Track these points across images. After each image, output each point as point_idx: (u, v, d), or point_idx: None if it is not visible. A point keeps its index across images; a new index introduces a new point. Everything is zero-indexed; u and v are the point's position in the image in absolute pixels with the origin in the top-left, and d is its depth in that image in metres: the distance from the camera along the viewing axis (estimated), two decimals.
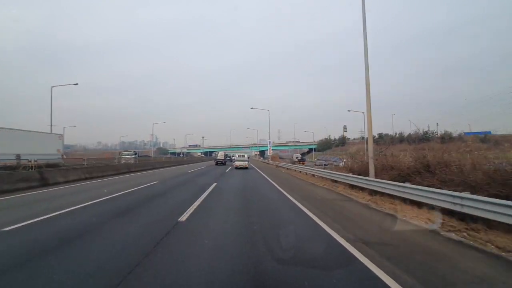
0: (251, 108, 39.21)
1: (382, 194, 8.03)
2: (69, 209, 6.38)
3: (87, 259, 3.35)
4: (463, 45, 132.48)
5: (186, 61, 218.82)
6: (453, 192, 5.33)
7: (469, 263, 3.42)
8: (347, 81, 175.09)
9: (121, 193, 9.20)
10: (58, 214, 5.92)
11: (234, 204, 7.44)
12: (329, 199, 8.56)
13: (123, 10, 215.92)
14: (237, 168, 26.17)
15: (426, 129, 72.87)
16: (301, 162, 48.86)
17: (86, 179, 14.07)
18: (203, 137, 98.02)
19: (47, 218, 5.53)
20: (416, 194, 6.29)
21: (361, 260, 3.33)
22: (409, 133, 76.54)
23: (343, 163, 44.16)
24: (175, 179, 14.80)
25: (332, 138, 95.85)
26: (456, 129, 68.85)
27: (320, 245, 4.01)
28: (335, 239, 4.23)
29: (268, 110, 38.43)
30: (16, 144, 16.09)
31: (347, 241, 4.09)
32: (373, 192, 8.61)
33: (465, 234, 4.68)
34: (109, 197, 8.40)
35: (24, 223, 5.03)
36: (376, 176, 9.10)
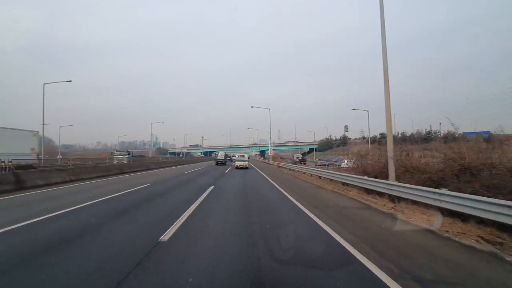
0: (252, 107, 37.94)
1: (406, 200, 6.79)
2: (25, 222, 5.13)
3: None
4: (463, 45, 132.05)
5: (186, 61, 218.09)
6: None
7: None
8: (347, 81, 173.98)
9: (103, 198, 7.96)
10: (9, 229, 4.68)
11: (232, 217, 6.20)
12: (345, 206, 7.30)
13: (123, 10, 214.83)
14: (237, 168, 26.14)
15: (428, 129, 71.68)
16: (302, 162, 47.78)
17: (71, 181, 12.83)
18: (202, 137, 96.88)
19: None
20: (459, 204, 5.03)
21: None
22: (412, 133, 75.38)
23: (345, 163, 43.32)
24: (169, 182, 13.55)
25: (333, 138, 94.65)
26: (456, 129, 67.51)
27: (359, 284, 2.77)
28: (375, 275, 2.97)
29: (269, 109, 37.26)
30: None
31: (394, 280, 2.84)
32: (395, 199, 7.36)
33: None
34: (87, 204, 7.18)
35: None
36: (397, 179, 7.85)
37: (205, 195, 8.61)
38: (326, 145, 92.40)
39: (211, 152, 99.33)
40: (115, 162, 21.40)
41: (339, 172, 12.76)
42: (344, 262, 3.34)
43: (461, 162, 6.04)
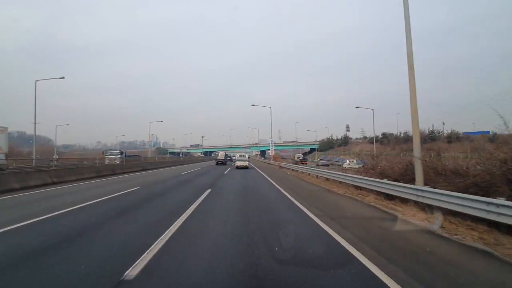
0: (252, 105, 36.64)
1: (441, 210, 5.54)
2: None
3: None
4: (463, 45, 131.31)
5: (186, 61, 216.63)
6: None
7: None
8: (347, 81, 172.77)
9: (76, 207, 6.71)
10: None
11: (227, 227, 4.95)
12: (367, 217, 6.04)
13: (123, 10, 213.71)
14: (237, 168, 26.28)
15: (431, 128, 70.47)
16: (303, 162, 46.75)
17: (53, 184, 11.59)
18: (202, 137, 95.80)
19: None
20: None
21: None
22: None
23: (347, 163, 42.06)
24: (161, 185, 12.30)
25: (335, 138, 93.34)
26: (455, 129, 67.18)
27: None
28: None
29: (270, 107, 36.02)
30: None
31: None
32: (426, 208, 6.11)
33: None
34: (62, 211, 5.97)
35: None
36: (426, 183, 6.60)
37: (200, 202, 7.37)
38: (327, 145, 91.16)
39: (211, 152, 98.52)
40: (106, 163, 20.14)
41: (350, 174, 11.51)
42: None
43: None
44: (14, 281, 2.81)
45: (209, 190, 9.80)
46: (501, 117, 6.43)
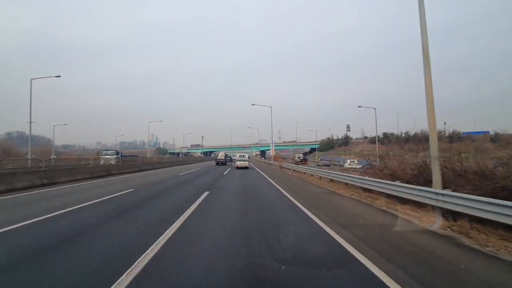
0: (252, 104, 36.02)
1: (465, 217, 4.93)
2: None
3: None
4: (463, 45, 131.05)
5: (186, 61, 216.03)
6: None
7: None
8: (347, 81, 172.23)
9: (66, 210, 6.10)
10: None
11: (225, 241, 4.33)
12: (381, 225, 5.41)
13: (123, 10, 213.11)
14: (238, 168, 26.26)
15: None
16: (303, 162, 46.21)
17: (42, 185, 10.97)
18: (202, 137, 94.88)
19: None
20: None
21: None
22: (415, 133, 73.40)
23: (348, 163, 41.38)
24: (156, 187, 11.67)
25: (335, 138, 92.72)
26: (455, 129, 66.92)
27: None
28: None
29: (271, 107, 35.38)
30: None
31: None
32: (446, 214, 5.49)
33: None
34: (42, 218, 5.37)
35: None
36: (446, 186, 5.97)
37: (194, 208, 6.75)
38: (328, 145, 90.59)
39: (211, 152, 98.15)
40: (101, 163, 19.48)
41: (356, 175, 10.88)
42: None
43: None
44: None
45: (207, 193, 9.20)
46: None
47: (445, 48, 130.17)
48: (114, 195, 8.77)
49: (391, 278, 2.87)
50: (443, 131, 67.74)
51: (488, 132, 56.96)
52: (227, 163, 40.49)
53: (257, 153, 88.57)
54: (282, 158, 61.35)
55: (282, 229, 4.97)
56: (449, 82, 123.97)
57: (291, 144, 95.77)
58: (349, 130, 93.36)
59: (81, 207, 6.71)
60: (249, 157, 41.01)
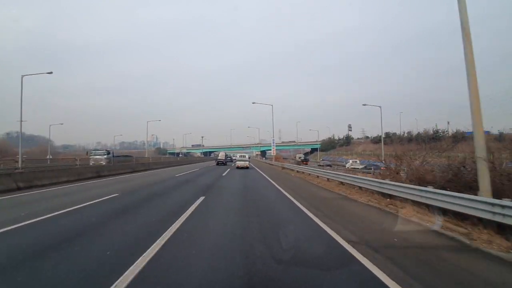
0: (253, 103, 34.93)
1: None
2: None
3: None
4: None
5: (186, 61, 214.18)
6: None
7: None
8: (347, 81, 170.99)
9: (30, 221, 4.87)
10: None
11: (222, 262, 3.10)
12: (426, 247, 4.13)
13: (123, 10, 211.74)
14: (238, 168, 26.28)
15: (434, 128, 68.60)
16: (304, 163, 45.14)
17: (18, 189, 9.74)
18: (202, 137, 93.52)
19: None
20: None
21: None
22: (418, 132, 72.07)
23: (350, 163, 40.10)
24: (144, 191, 10.43)
25: (336, 137, 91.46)
26: (455, 128, 65.96)
27: None
28: None
29: (272, 105, 34.15)
30: None
31: None
32: (501, 228, 4.27)
33: None
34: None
35: None
36: (499, 194, 4.75)
37: (183, 220, 5.51)
38: (329, 145, 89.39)
39: (210, 152, 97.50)
40: (91, 164, 18.23)
41: (371, 177, 9.66)
42: None
43: None
44: None
45: (202, 197, 8.00)
46: None
47: (445, 49, 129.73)
48: (97, 200, 7.58)
49: None
50: (446, 131, 66.86)
51: (487, 132, 56.22)
52: (227, 163, 40.29)
53: (257, 153, 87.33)
54: (283, 158, 60.15)
55: (293, 242, 3.72)
56: (449, 83, 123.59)
57: (292, 144, 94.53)
58: (350, 130, 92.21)
59: (45, 218, 5.48)
60: (249, 157, 41.23)
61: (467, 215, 4.97)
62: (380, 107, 34.37)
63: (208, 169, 24.93)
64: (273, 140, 35.59)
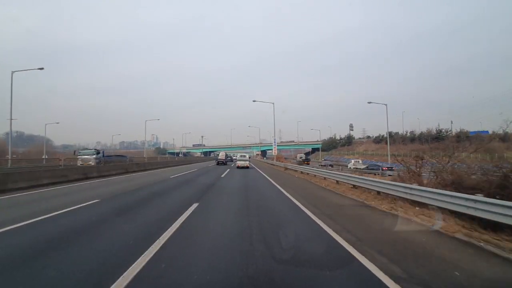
0: (254, 101, 33.71)
1: None
2: None
3: None
4: (463, 46, 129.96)
5: (186, 62, 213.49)
6: None
7: None
8: (347, 81, 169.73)
9: None
10: None
11: None
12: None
13: (124, 10, 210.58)
14: (238, 167, 26.38)
15: (437, 127, 67.40)
16: (306, 163, 44.19)
17: None
18: (202, 137, 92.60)
19: None
20: None
21: None
22: (421, 132, 70.74)
23: (352, 163, 38.90)
24: (130, 196, 9.20)
25: (338, 137, 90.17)
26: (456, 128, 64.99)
27: None
28: None
29: (273, 103, 32.93)
30: None
31: None
32: None
33: None
34: None
35: None
36: None
37: (170, 235, 4.28)
38: (330, 145, 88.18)
39: (210, 152, 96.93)
40: (79, 164, 16.97)
41: (389, 180, 8.42)
42: None
43: None
44: None
45: (196, 204, 6.79)
46: None
47: (445, 49, 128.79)
48: (74, 207, 6.45)
49: None
50: (450, 131, 65.50)
51: (487, 132, 55.03)
52: (228, 162, 40.60)
53: (258, 153, 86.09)
54: (284, 158, 58.99)
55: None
56: (449, 83, 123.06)
57: (293, 144, 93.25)
58: (352, 130, 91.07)
59: (14, 228, 4.28)
60: (249, 157, 41.00)
61: None
62: (386, 104, 33.24)
63: (206, 170, 23.67)
64: (275, 139, 34.38)
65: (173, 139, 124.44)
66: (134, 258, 3.24)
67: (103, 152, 22.02)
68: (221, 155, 39.64)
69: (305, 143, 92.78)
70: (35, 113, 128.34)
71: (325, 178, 13.84)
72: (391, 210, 6.70)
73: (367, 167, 32.65)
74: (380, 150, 69.42)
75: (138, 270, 2.95)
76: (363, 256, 3.49)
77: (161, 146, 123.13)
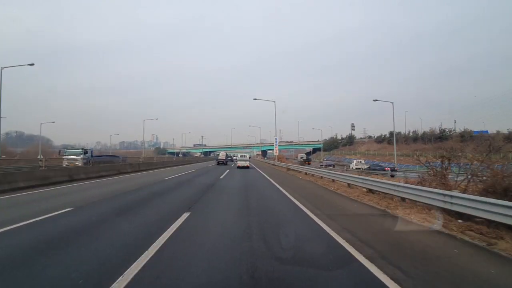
0: (254, 99, 32.45)
1: None
2: None
3: None
4: (463, 46, 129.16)
5: (186, 62, 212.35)
6: None
7: None
8: (347, 81, 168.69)
9: None
10: None
11: None
12: None
13: (124, 10, 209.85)
14: (239, 167, 26.20)
15: (440, 127, 66.22)
16: (307, 163, 43.45)
17: None
18: (202, 136, 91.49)
19: None
20: None
21: None
22: (424, 131, 69.42)
23: (354, 163, 37.74)
24: (112, 203, 7.94)
25: (339, 137, 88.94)
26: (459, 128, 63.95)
27: None
28: None
29: (274, 101, 31.74)
30: None
31: None
32: None
33: None
34: None
35: None
36: None
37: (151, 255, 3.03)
38: (332, 145, 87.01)
39: (210, 152, 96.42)
40: (65, 165, 15.70)
41: (416, 184, 7.15)
42: None
43: None
44: None
45: (187, 214, 5.55)
46: None
47: (444, 49, 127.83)
48: (35, 219, 5.18)
49: None
50: (453, 130, 64.16)
51: (487, 132, 53.97)
52: (228, 162, 40.71)
53: (258, 153, 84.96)
54: (285, 158, 57.86)
55: None
56: (449, 83, 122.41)
57: (294, 143, 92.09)
58: (353, 129, 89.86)
59: None
60: (250, 157, 40.76)
61: None
62: (392, 102, 31.99)
63: (205, 171, 22.42)
64: (276, 138, 33.14)
65: (173, 139, 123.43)
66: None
67: (91, 151, 20.64)
68: (222, 155, 39.65)
69: (306, 143, 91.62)
70: (35, 113, 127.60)
71: (333, 180, 12.56)
72: (423, 222, 5.45)
73: (369, 167, 31.67)
74: (382, 150, 68.18)
75: None
76: None
77: (161, 146, 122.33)
